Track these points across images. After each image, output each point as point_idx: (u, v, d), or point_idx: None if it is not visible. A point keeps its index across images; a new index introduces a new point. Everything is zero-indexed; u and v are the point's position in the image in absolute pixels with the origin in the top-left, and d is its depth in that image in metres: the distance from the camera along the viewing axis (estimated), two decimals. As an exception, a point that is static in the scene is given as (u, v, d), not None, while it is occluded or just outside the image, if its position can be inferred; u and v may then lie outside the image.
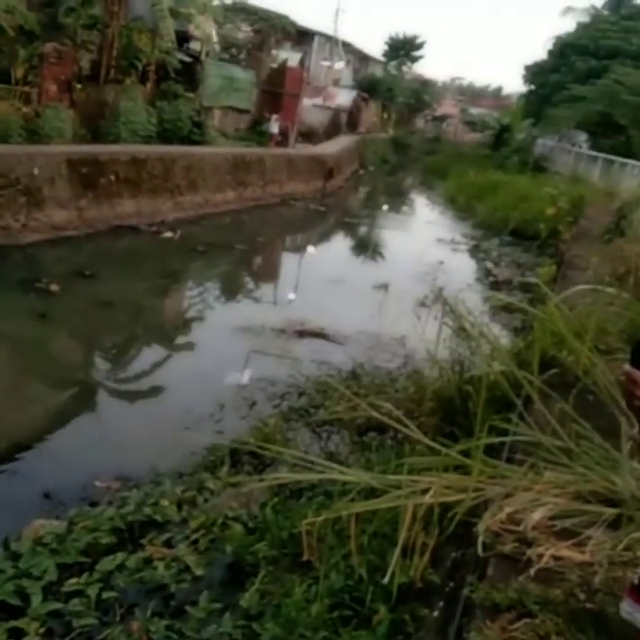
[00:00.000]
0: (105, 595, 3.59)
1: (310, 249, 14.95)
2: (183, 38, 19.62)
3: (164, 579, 3.75)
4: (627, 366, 1.55)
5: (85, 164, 13.13)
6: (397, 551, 3.13)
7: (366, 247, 16.72)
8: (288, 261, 15.24)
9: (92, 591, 3.58)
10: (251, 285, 12.47)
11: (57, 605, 3.51)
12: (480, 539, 2.96)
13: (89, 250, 11.79)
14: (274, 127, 23.06)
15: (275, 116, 23.20)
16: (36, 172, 11.89)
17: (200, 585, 3.76)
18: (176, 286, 11.40)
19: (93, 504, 4.58)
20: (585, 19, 37.16)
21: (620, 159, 22.56)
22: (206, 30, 19.63)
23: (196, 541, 4.09)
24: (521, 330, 8.28)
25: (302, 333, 8.68)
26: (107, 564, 3.80)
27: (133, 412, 6.67)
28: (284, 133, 23.71)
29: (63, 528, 4.11)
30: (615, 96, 26.82)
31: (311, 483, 4.47)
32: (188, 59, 19.87)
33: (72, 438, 5.82)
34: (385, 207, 23.14)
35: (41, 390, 6.79)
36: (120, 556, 3.87)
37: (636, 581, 1.69)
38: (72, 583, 3.65)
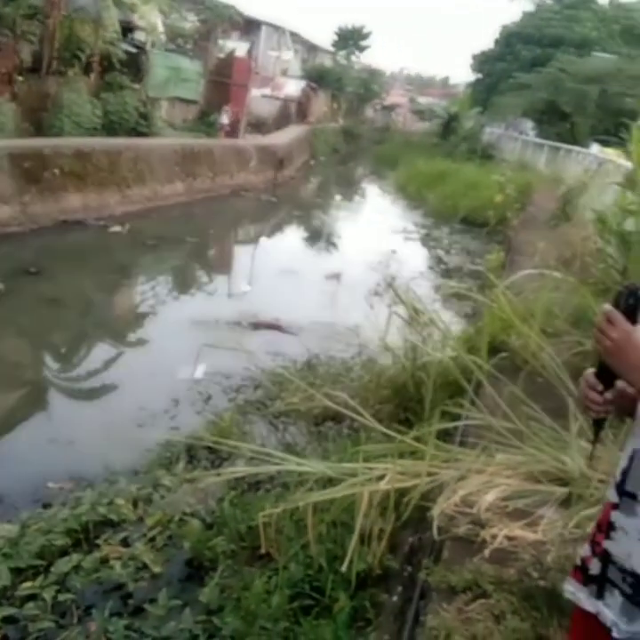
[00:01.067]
0: (61, 597, 3.53)
1: (263, 240, 14.87)
2: (128, 29, 19.19)
3: (122, 578, 3.71)
4: (608, 306, 1.57)
5: (28, 159, 12.77)
6: (355, 538, 3.16)
7: (319, 237, 16.73)
8: (240, 253, 15.13)
9: (48, 594, 3.52)
10: (203, 278, 12.34)
11: (11, 610, 3.43)
12: (435, 522, 3.01)
13: (34, 246, 11.49)
14: (224, 118, 22.82)
15: (225, 107, 22.95)
16: (-24, 167, 11.54)
17: (159, 583, 3.73)
18: (126, 281, 11.21)
19: (46, 506, 4.48)
20: (530, 8, 37.86)
21: (565, 146, 23.01)
22: (151, 20, 19.26)
23: (153, 539, 4.06)
24: (472, 316, 8.40)
25: (256, 325, 8.64)
26: (62, 565, 3.73)
27: (85, 410, 6.55)
28: (232, 124, 23.49)
29: (15, 531, 4.00)
30: (559, 84, 27.39)
31: (269, 475, 4.47)
32: (133, 49, 19.45)
33: (22, 439, 5.68)
34: (337, 197, 23.15)
35: (-11, 392, 6.61)
36: (75, 557, 3.80)
37: (578, 562, 1.74)
38: (26, 587, 3.58)
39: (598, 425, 1.76)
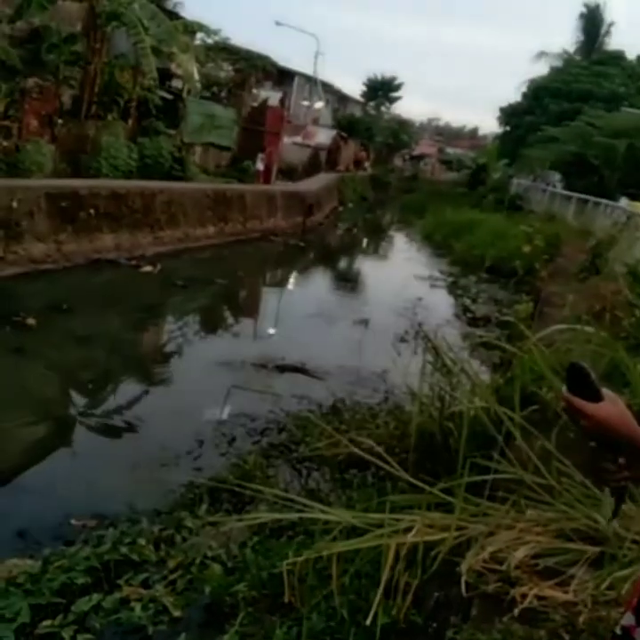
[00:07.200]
0: (80, 637, 3.48)
1: (290, 284, 14.99)
2: (165, 76, 19.86)
3: (142, 620, 3.65)
4: (565, 391, 1.49)
5: (65, 198, 13.11)
6: (380, 591, 3.09)
7: (345, 283, 16.83)
8: (268, 296, 15.26)
9: (67, 633, 3.47)
10: (231, 320, 12.45)
11: (30, 650, 3.40)
12: (463, 578, 2.94)
13: (67, 284, 11.71)
14: (259, 165, 23.28)
15: (261, 155, 23.45)
16: (14, 205, 11.85)
17: (178, 627, 3.66)
18: (155, 321, 11.34)
19: (68, 543, 4.45)
20: (557, 63, 38.43)
21: (593, 198, 23.02)
22: (188, 69, 19.90)
23: (173, 582, 4.00)
24: (500, 366, 8.32)
25: (282, 368, 8.64)
26: (82, 604, 3.69)
27: (110, 448, 6.56)
28: (265, 171, 23.96)
29: (37, 568, 3.99)
30: (587, 137, 27.56)
31: (292, 521, 4.41)
32: (169, 96, 20.10)
33: (47, 475, 5.70)
34: (364, 243, 23.34)
35: (15, 426, 6.66)
36: (96, 597, 3.76)
37: (618, 631, 1.59)
38: (46, 625, 3.54)
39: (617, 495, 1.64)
